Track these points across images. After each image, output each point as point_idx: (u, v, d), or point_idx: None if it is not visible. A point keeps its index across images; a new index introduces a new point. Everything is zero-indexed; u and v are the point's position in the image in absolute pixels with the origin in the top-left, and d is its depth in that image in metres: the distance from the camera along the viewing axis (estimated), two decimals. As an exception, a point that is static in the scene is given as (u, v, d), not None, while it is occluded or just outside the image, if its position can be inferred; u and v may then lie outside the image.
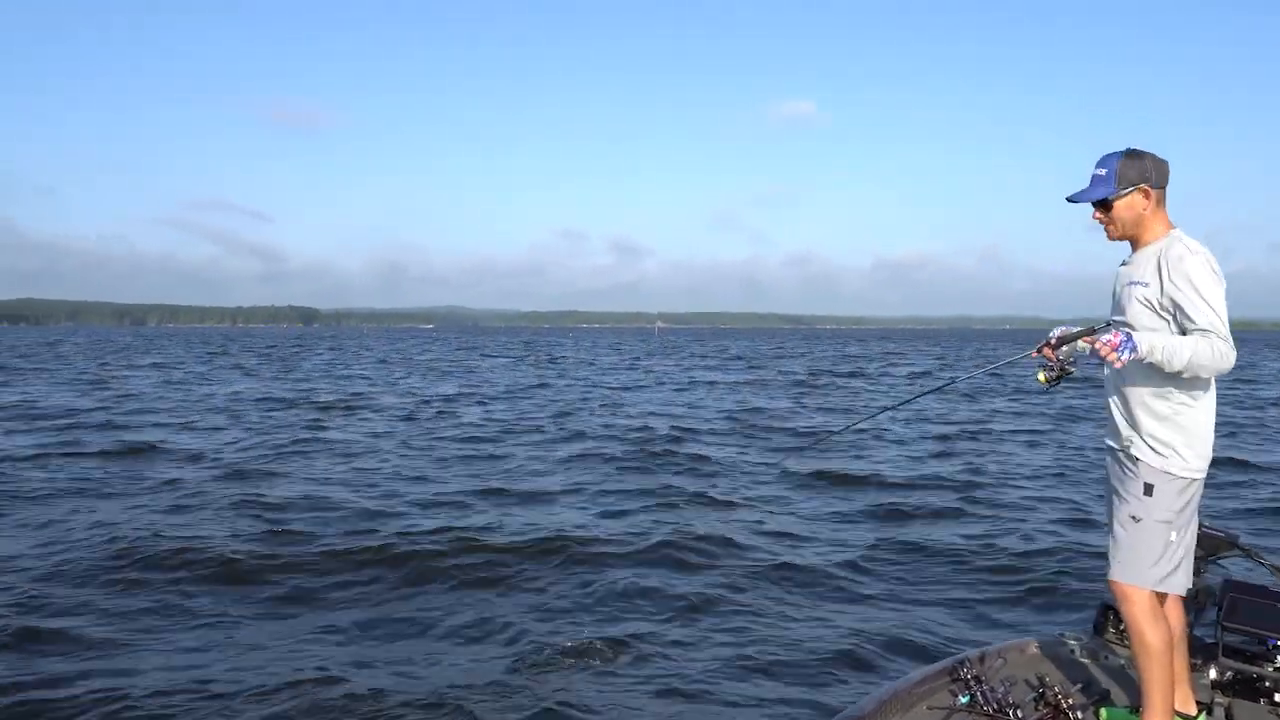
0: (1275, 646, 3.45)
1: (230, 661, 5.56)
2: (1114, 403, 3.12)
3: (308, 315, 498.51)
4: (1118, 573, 3.03)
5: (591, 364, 46.40)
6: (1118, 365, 2.83)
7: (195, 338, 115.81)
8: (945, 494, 11.13)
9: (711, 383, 32.09)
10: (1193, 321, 2.82)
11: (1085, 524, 9.35)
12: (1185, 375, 2.84)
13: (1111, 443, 3.16)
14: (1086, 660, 3.73)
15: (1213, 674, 3.49)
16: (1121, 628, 3.76)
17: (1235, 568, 4.17)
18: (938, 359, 55.85)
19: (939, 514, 9.97)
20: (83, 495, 10.56)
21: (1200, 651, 3.61)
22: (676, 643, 5.95)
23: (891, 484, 11.72)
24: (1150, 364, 2.85)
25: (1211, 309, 2.80)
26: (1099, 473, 5.91)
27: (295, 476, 11.96)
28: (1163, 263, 2.90)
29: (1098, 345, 2.85)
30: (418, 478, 11.99)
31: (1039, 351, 3.20)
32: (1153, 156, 2.98)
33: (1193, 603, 3.51)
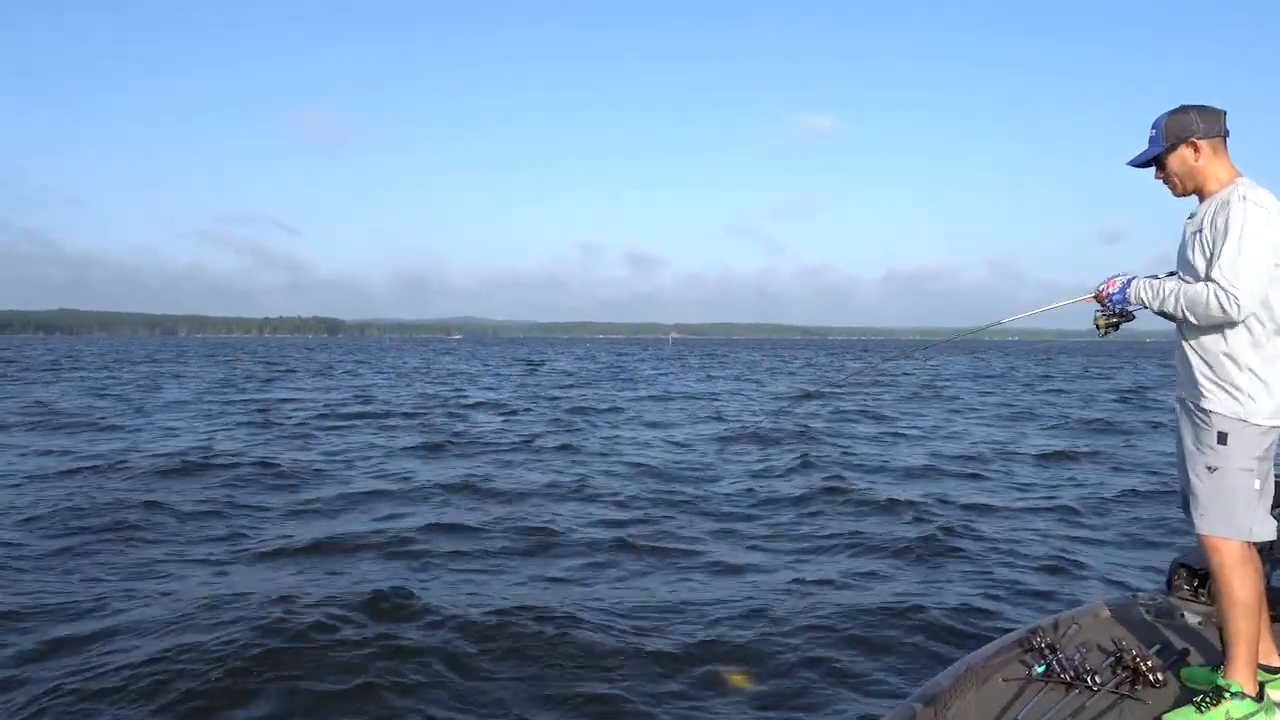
0: None
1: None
2: (1181, 354, 3.08)
3: (333, 326, 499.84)
4: (1205, 525, 2.98)
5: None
6: (1116, 311, 3.12)
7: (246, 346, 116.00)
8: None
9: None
10: (1213, 267, 2.86)
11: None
12: (1187, 318, 2.94)
13: (1182, 395, 3.11)
14: (1161, 621, 3.65)
15: None
16: (1196, 585, 3.76)
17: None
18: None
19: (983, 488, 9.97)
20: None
21: (1278, 603, 3.51)
22: (755, 613, 6.00)
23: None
24: (1207, 314, 2.88)
25: (1233, 258, 2.80)
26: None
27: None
28: (1217, 207, 2.93)
29: (1100, 289, 3.11)
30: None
31: (1094, 297, 3.22)
32: (1199, 108, 3.01)
33: (1268, 554, 3.42)
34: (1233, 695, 2.81)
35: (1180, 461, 3.14)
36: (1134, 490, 10.76)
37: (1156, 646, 3.38)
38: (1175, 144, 3.01)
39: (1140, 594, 3.89)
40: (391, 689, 4.76)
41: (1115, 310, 3.15)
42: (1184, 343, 3.06)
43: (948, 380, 36.59)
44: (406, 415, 20.41)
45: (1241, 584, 2.90)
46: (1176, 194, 3.11)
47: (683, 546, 7.99)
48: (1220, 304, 2.80)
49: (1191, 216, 3.08)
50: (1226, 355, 2.93)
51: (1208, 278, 2.88)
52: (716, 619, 5.94)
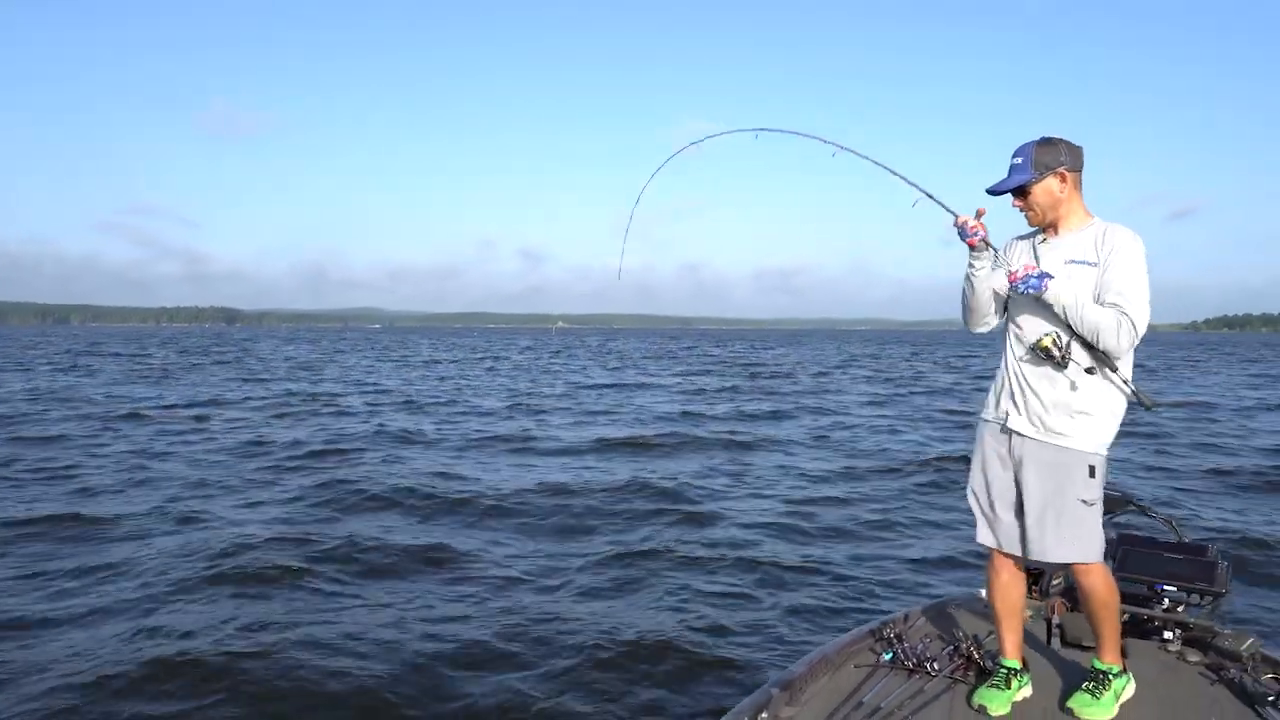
0: (1162, 591, 3.50)
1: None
2: (1042, 387, 2.82)
3: (230, 316, 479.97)
4: (1076, 553, 2.84)
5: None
6: (1018, 291, 2.77)
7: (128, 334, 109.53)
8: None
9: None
10: (1120, 299, 2.70)
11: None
12: (1087, 334, 2.71)
13: (1031, 433, 2.85)
14: None
15: None
16: (1029, 584, 3.72)
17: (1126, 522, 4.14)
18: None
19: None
20: None
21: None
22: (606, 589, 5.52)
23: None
24: (1079, 347, 2.75)
25: (1141, 294, 2.71)
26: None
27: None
28: (1104, 244, 2.78)
29: (1012, 271, 2.79)
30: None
31: (1008, 277, 2.84)
32: (1066, 142, 2.85)
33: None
34: (1115, 676, 2.91)
35: (1012, 496, 2.92)
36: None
37: (991, 636, 3.36)
38: (1043, 174, 2.82)
39: (981, 591, 3.91)
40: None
41: (1018, 294, 2.83)
42: (1055, 374, 2.79)
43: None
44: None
45: (1112, 591, 2.93)
46: (1033, 224, 2.93)
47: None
48: (1126, 335, 2.68)
49: (1043, 241, 2.91)
50: (1097, 388, 2.78)
51: (1108, 307, 2.71)
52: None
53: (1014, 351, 2.90)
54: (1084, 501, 2.80)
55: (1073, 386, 2.78)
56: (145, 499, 8.75)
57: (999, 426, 2.93)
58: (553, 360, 44.95)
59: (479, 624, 5.24)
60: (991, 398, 2.99)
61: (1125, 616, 3.35)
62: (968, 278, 2.95)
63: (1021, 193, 2.87)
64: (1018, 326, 2.90)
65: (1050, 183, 2.83)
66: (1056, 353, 2.72)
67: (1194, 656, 3.23)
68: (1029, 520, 2.87)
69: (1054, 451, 2.81)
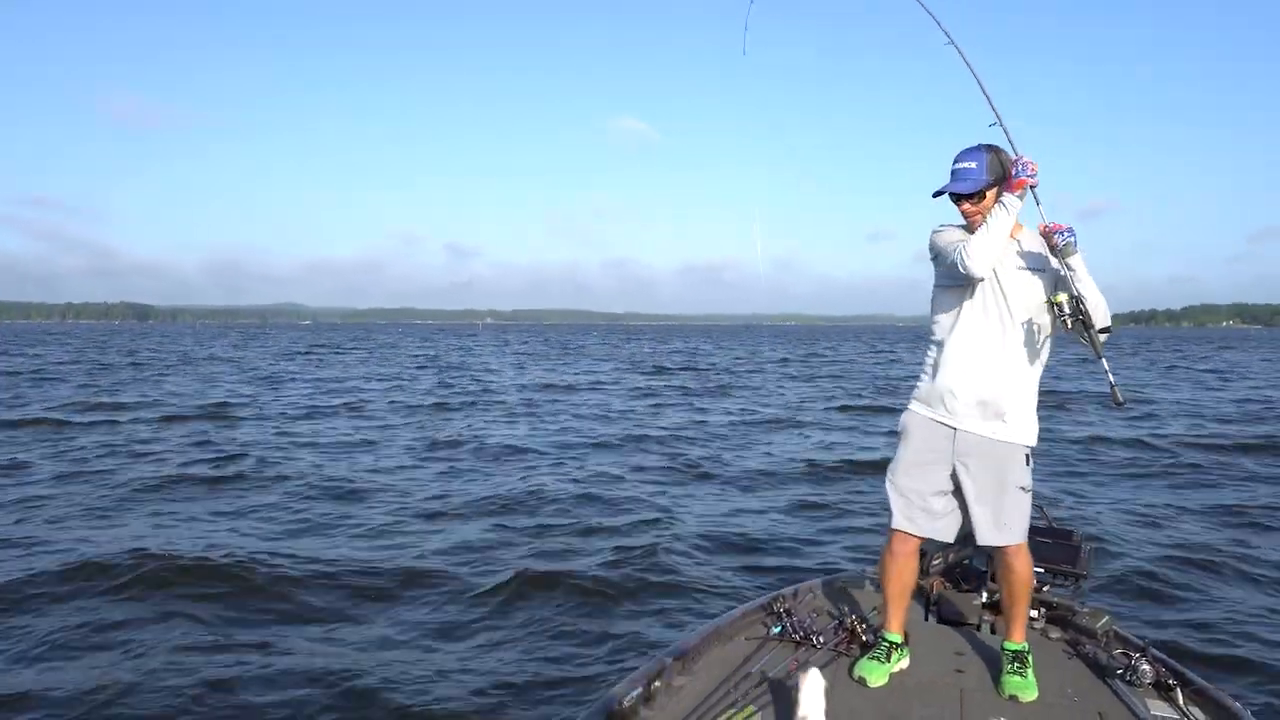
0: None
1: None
2: (988, 383, 2.96)
3: (142, 312, 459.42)
4: (1016, 536, 3.03)
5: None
6: (1063, 246, 2.83)
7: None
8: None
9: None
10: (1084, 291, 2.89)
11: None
12: (1090, 303, 2.83)
13: (976, 429, 2.99)
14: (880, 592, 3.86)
15: (984, 596, 3.75)
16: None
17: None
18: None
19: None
20: None
21: (973, 578, 3.94)
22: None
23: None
24: (1033, 343, 2.94)
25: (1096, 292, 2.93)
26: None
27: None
28: (1040, 243, 2.97)
29: (1051, 226, 2.87)
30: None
31: (1043, 227, 2.94)
32: (1000, 148, 3.03)
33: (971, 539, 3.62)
34: (1029, 653, 3.07)
35: (946, 487, 3.06)
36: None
37: (874, 610, 3.58)
38: (996, 180, 2.97)
39: (869, 568, 4.11)
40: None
41: (1061, 247, 2.86)
42: (1017, 370, 2.97)
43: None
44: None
45: (1032, 570, 3.15)
46: (975, 228, 2.99)
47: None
48: (1107, 320, 2.88)
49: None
50: (1035, 379, 3.02)
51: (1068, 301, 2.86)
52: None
53: (962, 345, 3.00)
54: (1022, 488, 2.99)
55: (1019, 379, 2.96)
56: None
57: (938, 422, 3.04)
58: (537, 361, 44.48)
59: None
60: (929, 391, 3.07)
61: (996, 596, 3.59)
62: (1001, 224, 2.91)
63: (976, 197, 2.99)
64: (977, 313, 2.98)
65: (998, 188, 2.98)
66: (1069, 309, 2.80)
67: (1055, 634, 3.47)
68: (974, 509, 3.01)
69: (997, 445, 2.97)
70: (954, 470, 3.04)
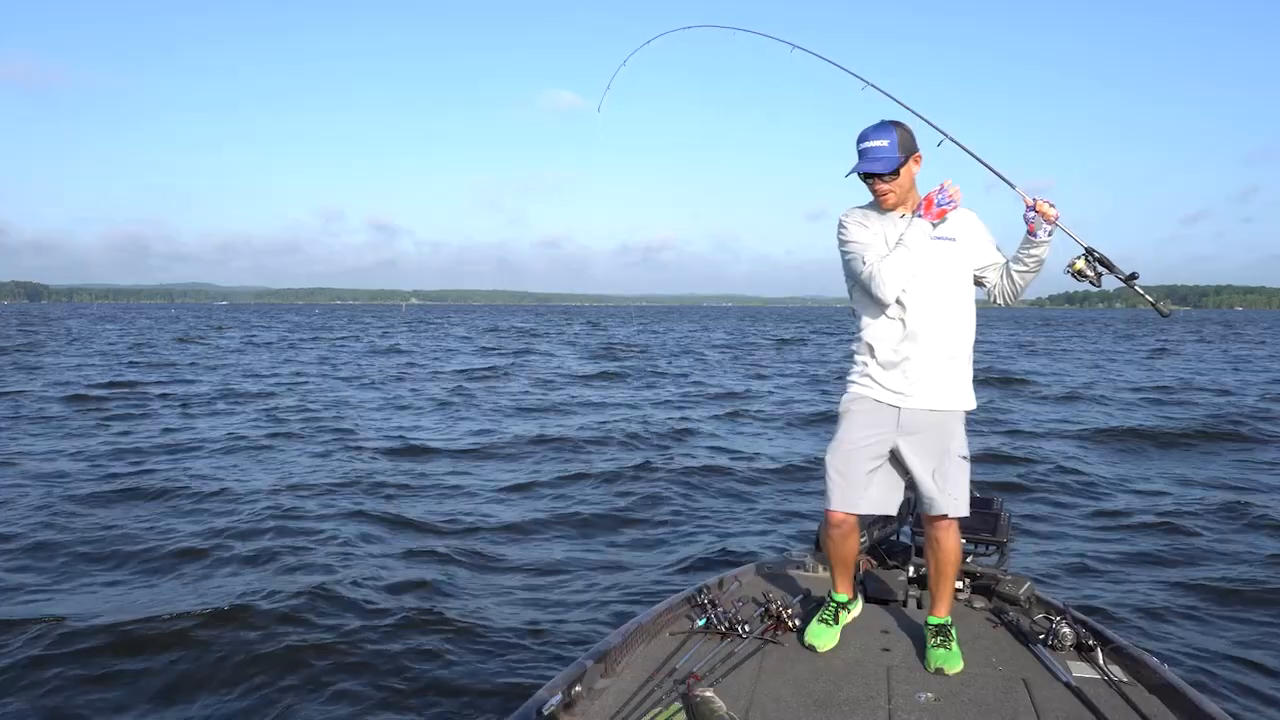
0: None
1: None
2: (929, 357, 2.97)
3: (34, 291, 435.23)
4: (962, 507, 3.04)
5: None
6: (1051, 217, 2.84)
7: None
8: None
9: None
10: (1001, 257, 3.05)
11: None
12: (1031, 276, 2.98)
13: (923, 404, 2.99)
14: (805, 575, 3.90)
15: (910, 571, 3.77)
16: None
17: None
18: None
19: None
20: None
21: (899, 554, 3.99)
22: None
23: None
24: (961, 309, 2.99)
25: None
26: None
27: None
28: (962, 223, 3.01)
29: (1043, 206, 2.86)
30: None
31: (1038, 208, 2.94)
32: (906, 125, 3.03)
33: (899, 515, 3.67)
34: (952, 626, 3.09)
35: (887, 464, 3.09)
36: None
37: (799, 596, 3.58)
38: (907, 157, 2.95)
39: (790, 553, 4.09)
40: None
41: (1045, 236, 2.90)
42: (951, 338, 2.98)
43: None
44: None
45: (960, 546, 3.19)
46: (889, 206, 3.01)
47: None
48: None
49: (903, 217, 3.02)
50: (968, 351, 3.05)
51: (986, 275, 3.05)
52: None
53: (895, 322, 2.99)
54: (963, 457, 3.03)
55: (962, 351, 3.00)
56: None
57: (883, 404, 3.02)
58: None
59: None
60: (866, 371, 3.05)
61: (923, 571, 3.56)
62: (917, 243, 2.96)
63: (891, 175, 2.95)
64: (926, 294, 2.97)
65: (912, 167, 2.97)
66: (1091, 272, 2.87)
67: (980, 603, 3.52)
68: (923, 483, 3.02)
69: (941, 416, 3.00)
70: (895, 447, 3.04)
